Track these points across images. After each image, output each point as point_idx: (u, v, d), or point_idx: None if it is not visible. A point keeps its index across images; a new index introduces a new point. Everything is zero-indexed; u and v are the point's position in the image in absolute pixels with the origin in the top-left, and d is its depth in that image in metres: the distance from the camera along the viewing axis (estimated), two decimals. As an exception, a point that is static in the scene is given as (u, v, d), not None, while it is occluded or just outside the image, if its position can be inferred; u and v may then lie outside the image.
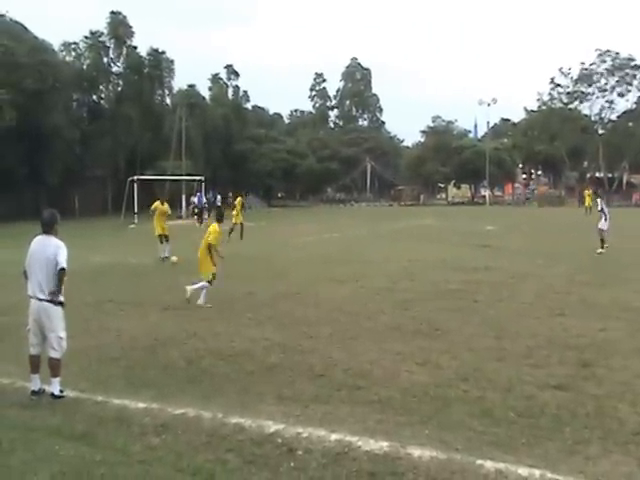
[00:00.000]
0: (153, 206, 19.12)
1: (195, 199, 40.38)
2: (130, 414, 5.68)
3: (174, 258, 16.63)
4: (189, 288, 10.87)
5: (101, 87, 57.12)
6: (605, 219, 18.77)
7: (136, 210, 38.26)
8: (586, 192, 45.01)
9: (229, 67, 77.14)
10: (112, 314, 10.34)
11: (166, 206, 19.13)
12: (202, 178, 44.36)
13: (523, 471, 4.43)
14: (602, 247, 18.20)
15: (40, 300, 6.15)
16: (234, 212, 24.62)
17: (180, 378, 6.79)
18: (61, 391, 6.16)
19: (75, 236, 26.75)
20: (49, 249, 6.20)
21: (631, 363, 6.97)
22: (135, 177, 40.53)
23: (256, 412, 5.67)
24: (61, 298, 6.24)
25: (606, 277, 13.42)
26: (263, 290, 12.34)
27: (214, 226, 11.33)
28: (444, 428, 5.24)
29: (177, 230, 32.32)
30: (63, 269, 6.13)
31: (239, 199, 25.78)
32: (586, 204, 42.13)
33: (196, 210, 37.72)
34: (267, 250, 20.64)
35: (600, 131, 71.10)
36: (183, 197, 47.60)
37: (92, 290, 12.37)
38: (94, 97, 57.36)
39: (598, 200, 20.38)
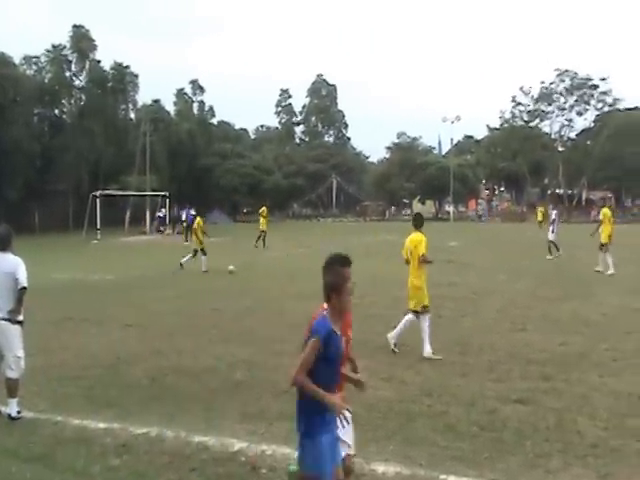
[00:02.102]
0: (196, 223, 20.34)
1: (183, 214, 39.38)
2: (90, 434, 5.56)
3: (231, 267, 17.75)
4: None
5: (63, 101, 56.40)
6: (552, 231, 21.23)
7: (99, 226, 37.73)
8: (538, 208, 48.15)
9: (194, 82, 77.01)
10: (73, 332, 10.15)
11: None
12: (166, 194, 44.06)
13: (486, 485, 4.47)
14: (550, 254, 20.77)
15: (-3, 318, 6.01)
16: (261, 220, 28.10)
17: (142, 396, 6.69)
18: (18, 412, 6.00)
19: (35, 252, 26.18)
20: (7, 266, 6.07)
21: (589, 377, 7.10)
22: (98, 192, 40.02)
23: (220, 430, 5.61)
24: (20, 317, 6.11)
25: (566, 292, 13.68)
26: (229, 306, 12.26)
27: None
28: (408, 443, 5.26)
29: (142, 245, 31.87)
30: (24, 288, 6.01)
31: (264, 208, 28.91)
32: (538, 219, 45.44)
33: (184, 225, 36.13)
34: (233, 266, 20.50)
35: (560, 149, 72.91)
36: (147, 212, 47.19)
37: (53, 307, 12.14)
38: (56, 111, 56.60)
39: (554, 212, 22.58)
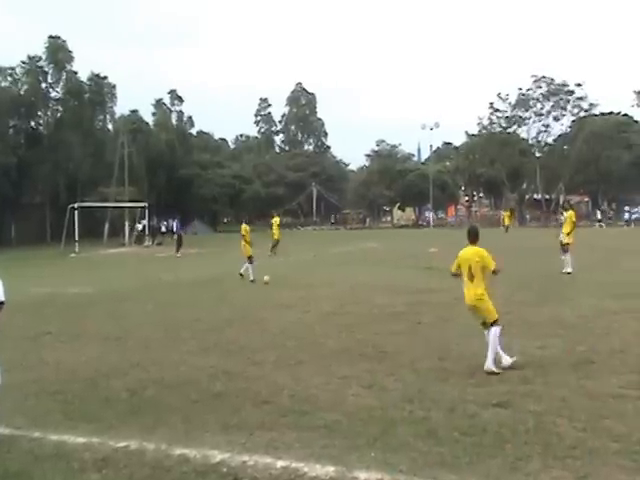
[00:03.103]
0: (243, 229, 19.79)
1: (173, 225, 38.79)
2: (69, 450, 5.49)
3: (267, 277, 17.37)
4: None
5: (39, 113, 56.00)
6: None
7: (77, 238, 37.39)
8: (504, 213, 51.99)
9: (173, 92, 76.91)
10: (51, 346, 10.02)
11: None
12: (146, 204, 43.82)
13: (466, 490, 4.49)
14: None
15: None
16: (273, 230, 28.97)
17: (122, 410, 6.62)
18: (-5, 428, 5.91)
19: (12, 266, 25.90)
20: (-17, 281, 5.98)
21: (568, 379, 7.17)
22: (76, 204, 39.69)
23: (201, 442, 5.58)
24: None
25: (543, 296, 13.81)
26: (209, 316, 12.21)
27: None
28: (389, 450, 5.27)
29: (121, 258, 31.68)
30: (2, 303, 5.94)
31: (277, 218, 30.13)
32: (505, 223, 49.18)
33: (175, 237, 35.17)
34: (213, 276, 20.46)
35: (537, 154, 73.90)
36: (126, 224, 46.89)
37: (30, 322, 11.99)
38: (32, 123, 56.17)
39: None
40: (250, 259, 18.62)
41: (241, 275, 18.45)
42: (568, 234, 17.96)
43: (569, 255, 17.69)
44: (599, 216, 61.02)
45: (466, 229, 8.76)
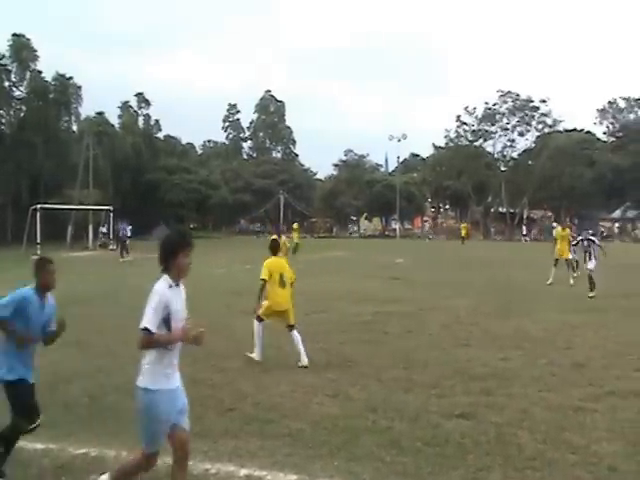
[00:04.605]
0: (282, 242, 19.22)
1: (120, 229, 38.22)
2: (27, 456, 5.36)
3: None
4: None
5: (2, 112, 54.74)
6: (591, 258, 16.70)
7: (39, 240, 36.64)
8: (462, 225, 55.94)
9: (140, 95, 76.24)
10: (10, 350, 9.78)
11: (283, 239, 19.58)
12: (110, 208, 43.22)
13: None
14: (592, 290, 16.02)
15: None
16: (294, 234, 32.79)
17: (82, 416, 6.51)
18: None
19: (-29, 267, 25.23)
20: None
21: (529, 391, 7.29)
22: (38, 206, 38.90)
23: (162, 449, 5.49)
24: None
25: (508, 308, 14.03)
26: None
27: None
28: (353, 459, 5.28)
29: (85, 261, 31.17)
30: None
31: (297, 224, 35.03)
32: (462, 235, 52.17)
33: (126, 241, 34.54)
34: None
35: (502, 168, 75.19)
36: (90, 227, 46.17)
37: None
38: (-6, 122, 54.95)
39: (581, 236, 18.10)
40: None
41: None
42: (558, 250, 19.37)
43: (554, 268, 18.94)
44: (524, 231, 63.11)
45: (270, 246, 9.60)
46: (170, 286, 4.19)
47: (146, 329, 3.98)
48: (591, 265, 16.41)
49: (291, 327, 9.14)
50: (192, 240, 4.40)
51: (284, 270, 9.20)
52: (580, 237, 18.07)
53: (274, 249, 9.44)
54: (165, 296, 4.11)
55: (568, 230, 20.60)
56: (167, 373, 4.22)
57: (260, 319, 9.25)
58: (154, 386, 4.15)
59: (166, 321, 4.13)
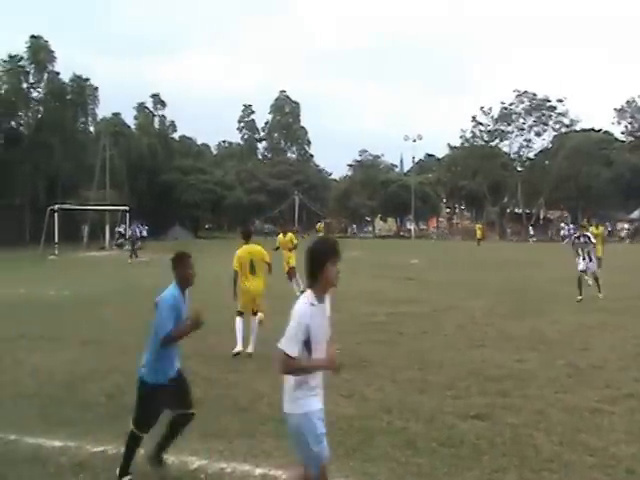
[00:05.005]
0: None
1: (130, 229, 38.50)
2: (45, 453, 5.43)
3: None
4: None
5: (20, 113, 55.28)
6: (581, 257, 15.86)
7: (57, 240, 36.99)
8: (477, 226, 53.59)
9: (155, 96, 76.60)
10: (28, 349, 9.90)
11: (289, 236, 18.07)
12: (127, 208, 43.51)
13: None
14: (599, 291, 15.50)
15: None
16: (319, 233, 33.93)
17: (99, 414, 6.57)
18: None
19: (-11, 267, 25.54)
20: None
21: (545, 392, 7.24)
22: (55, 206, 39.26)
23: (179, 448, 5.53)
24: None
25: (523, 309, 13.94)
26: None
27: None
28: (368, 460, 5.28)
29: (101, 261, 31.49)
30: None
31: (320, 224, 35.16)
32: (478, 236, 50.39)
33: (135, 243, 34.79)
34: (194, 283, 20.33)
35: (519, 168, 74.71)
36: (107, 227, 46.52)
37: (7, 325, 11.85)
38: (12, 123, 55.44)
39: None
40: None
41: None
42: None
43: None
44: (531, 232, 62.44)
45: (240, 231, 10.13)
46: (312, 304, 3.89)
47: (287, 355, 3.72)
48: (592, 267, 15.92)
49: (255, 313, 9.54)
50: (339, 248, 4.08)
51: (254, 256, 9.53)
52: (576, 234, 17.28)
53: (245, 235, 9.84)
54: (305, 317, 3.81)
55: (602, 228, 19.67)
56: (313, 394, 3.98)
57: (240, 313, 9.58)
58: (301, 410, 3.96)
59: (307, 343, 3.84)
